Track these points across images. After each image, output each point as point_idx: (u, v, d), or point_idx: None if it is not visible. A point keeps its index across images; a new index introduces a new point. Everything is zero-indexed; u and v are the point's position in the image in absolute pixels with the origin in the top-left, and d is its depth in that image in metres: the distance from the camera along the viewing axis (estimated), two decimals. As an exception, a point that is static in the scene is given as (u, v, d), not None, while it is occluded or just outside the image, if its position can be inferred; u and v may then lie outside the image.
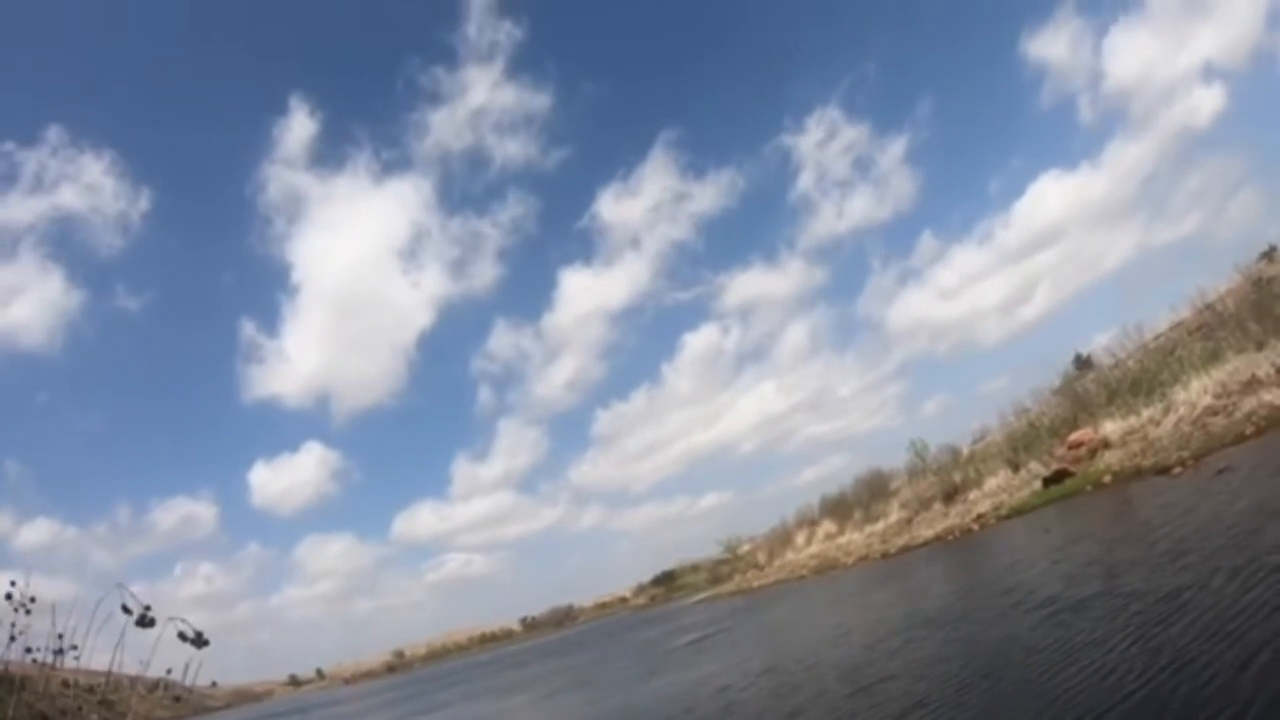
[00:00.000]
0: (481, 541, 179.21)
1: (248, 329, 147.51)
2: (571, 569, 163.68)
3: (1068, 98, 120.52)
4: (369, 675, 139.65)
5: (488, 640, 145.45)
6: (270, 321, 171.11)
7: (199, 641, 3.42)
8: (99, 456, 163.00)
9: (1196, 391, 26.60)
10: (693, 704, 15.61)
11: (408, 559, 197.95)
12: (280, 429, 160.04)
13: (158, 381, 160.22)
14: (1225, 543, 11.85)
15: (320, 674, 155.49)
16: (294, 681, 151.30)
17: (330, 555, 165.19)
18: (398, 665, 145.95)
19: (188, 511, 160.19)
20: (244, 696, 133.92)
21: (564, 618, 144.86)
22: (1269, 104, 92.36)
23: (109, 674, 3.61)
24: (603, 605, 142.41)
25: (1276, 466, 17.17)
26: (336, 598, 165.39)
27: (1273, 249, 35.44)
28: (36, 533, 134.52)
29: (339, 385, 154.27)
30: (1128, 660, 8.56)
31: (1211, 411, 24.69)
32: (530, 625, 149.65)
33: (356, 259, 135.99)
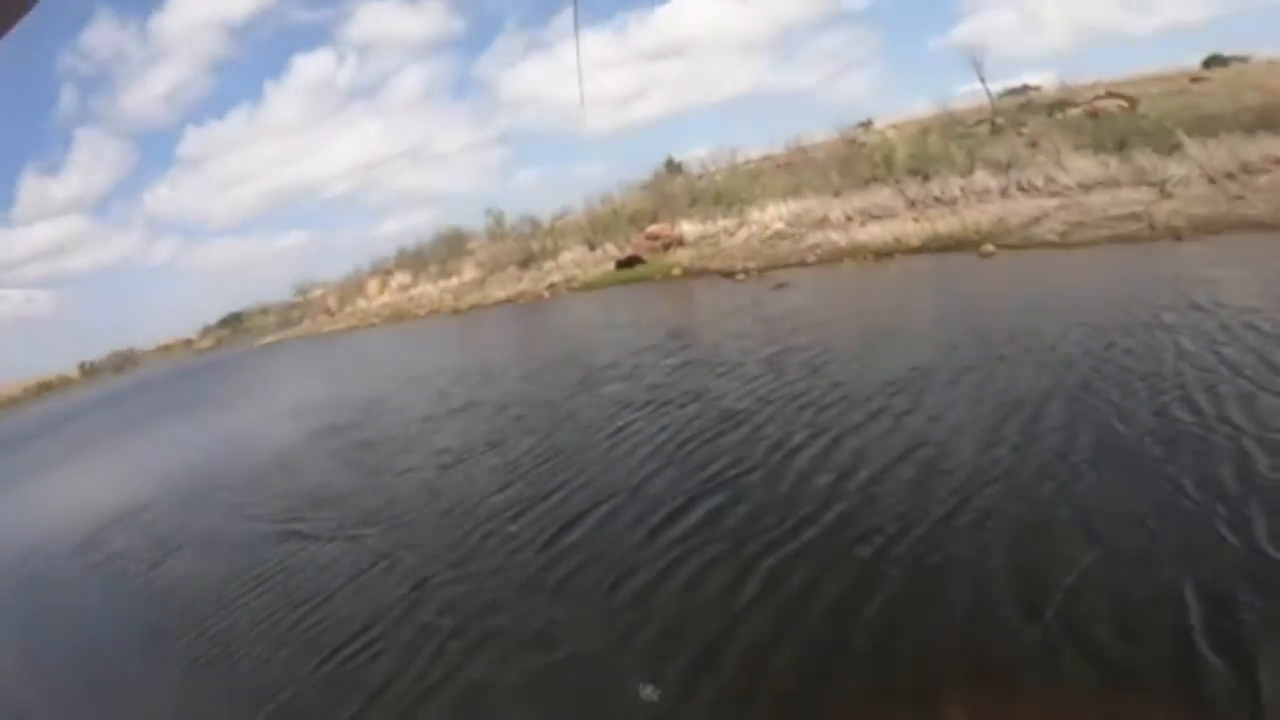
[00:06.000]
0: (44, 275, 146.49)
1: None
2: (137, 308, 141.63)
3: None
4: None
5: (44, 389, 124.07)
6: None
7: None
8: None
9: (771, 215, 28.33)
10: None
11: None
12: None
13: None
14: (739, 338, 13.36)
15: None
16: None
17: None
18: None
19: None
20: None
21: (124, 362, 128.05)
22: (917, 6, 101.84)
23: None
24: (166, 348, 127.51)
25: (823, 290, 18.64)
26: None
27: (870, 121, 38.92)
28: None
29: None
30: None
31: (781, 236, 26.39)
32: (90, 371, 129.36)
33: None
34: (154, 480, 14.22)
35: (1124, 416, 6.52)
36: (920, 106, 38.81)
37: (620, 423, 9.15)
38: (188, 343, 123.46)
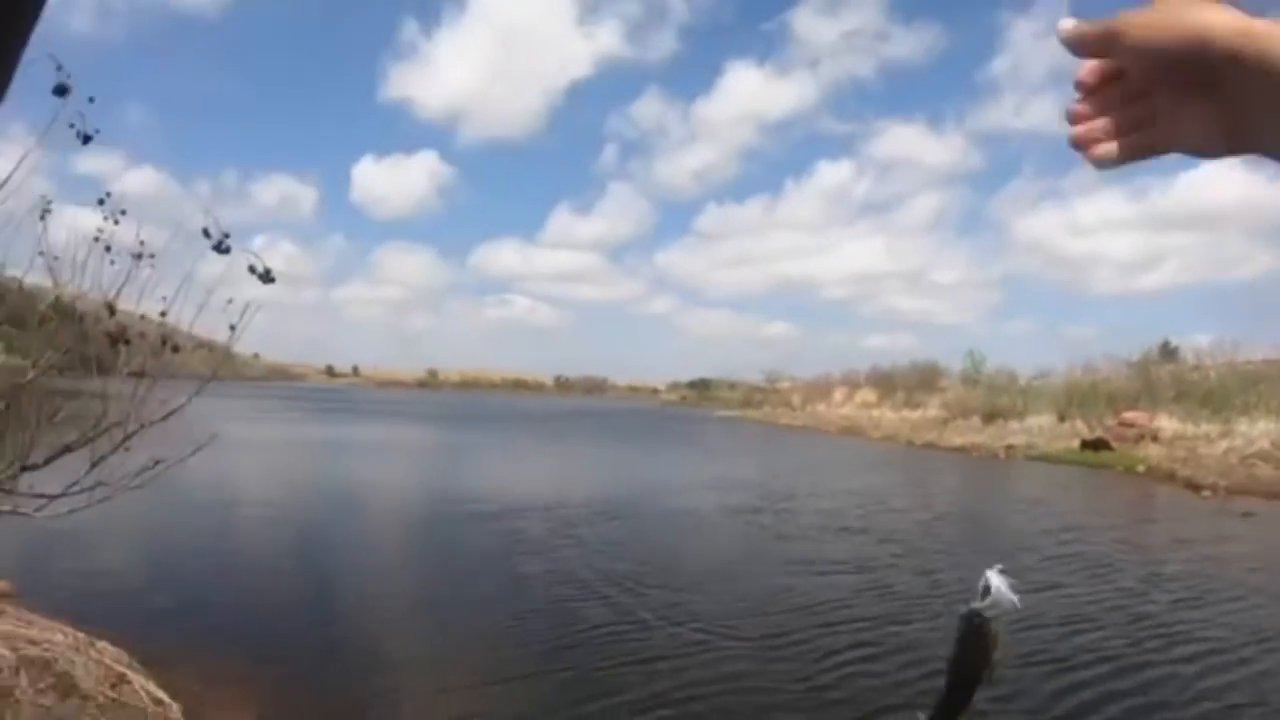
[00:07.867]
0: (551, 293, 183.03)
1: (410, 27, 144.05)
2: (620, 346, 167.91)
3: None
4: (399, 384, 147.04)
5: (519, 386, 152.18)
6: (430, 27, 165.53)
7: (266, 277, 3.62)
8: (222, 119, 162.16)
9: (1261, 431, 27.73)
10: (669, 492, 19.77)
11: (477, 289, 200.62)
12: (402, 132, 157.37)
13: (304, 60, 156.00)
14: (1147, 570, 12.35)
15: (355, 371, 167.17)
16: (330, 372, 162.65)
17: (407, 266, 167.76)
18: (429, 383, 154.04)
19: (288, 190, 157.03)
20: (280, 374, 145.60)
21: (595, 388, 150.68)
22: None
23: (163, 315, 4.04)
24: (634, 389, 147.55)
25: (1284, 529, 18.04)
26: (397, 307, 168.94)
27: None
28: (141, 180, 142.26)
29: (476, 109, 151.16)
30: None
31: (1265, 456, 25.89)
32: (562, 385, 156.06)
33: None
34: (580, 489, 18.89)
35: None
36: None
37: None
38: (654, 390, 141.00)
